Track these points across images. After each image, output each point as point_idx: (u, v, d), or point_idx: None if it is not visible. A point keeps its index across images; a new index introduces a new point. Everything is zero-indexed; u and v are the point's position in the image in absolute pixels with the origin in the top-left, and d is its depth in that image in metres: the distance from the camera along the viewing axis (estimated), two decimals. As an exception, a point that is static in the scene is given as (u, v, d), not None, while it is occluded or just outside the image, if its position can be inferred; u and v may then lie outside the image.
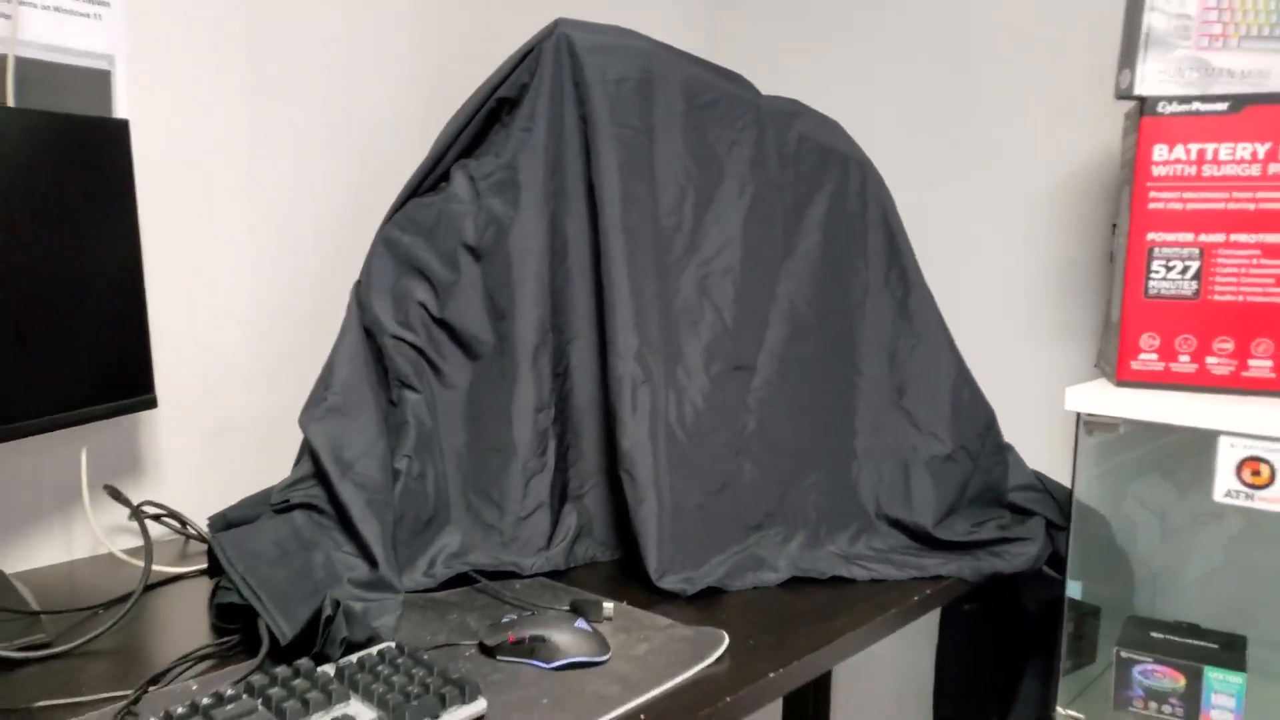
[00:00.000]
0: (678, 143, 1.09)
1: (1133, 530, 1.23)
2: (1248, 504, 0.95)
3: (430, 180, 1.10)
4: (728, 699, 0.77)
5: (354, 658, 0.76)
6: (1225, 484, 0.96)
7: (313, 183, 1.23)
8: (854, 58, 1.48)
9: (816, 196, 1.17)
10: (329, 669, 0.74)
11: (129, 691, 0.75)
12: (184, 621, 0.90)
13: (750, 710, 0.80)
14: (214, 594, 0.92)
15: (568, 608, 0.92)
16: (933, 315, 1.18)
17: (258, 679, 0.71)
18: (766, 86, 1.50)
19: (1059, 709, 1.13)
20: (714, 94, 1.12)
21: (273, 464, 1.22)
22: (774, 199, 1.15)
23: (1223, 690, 1.06)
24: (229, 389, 1.18)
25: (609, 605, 0.92)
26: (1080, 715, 1.13)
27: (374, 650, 0.77)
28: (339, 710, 0.69)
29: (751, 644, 0.87)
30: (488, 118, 1.09)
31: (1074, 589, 1.17)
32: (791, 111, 1.18)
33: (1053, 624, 1.17)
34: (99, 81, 1.06)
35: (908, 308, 1.18)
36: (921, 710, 1.52)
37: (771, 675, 0.82)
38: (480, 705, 0.72)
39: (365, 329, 1.06)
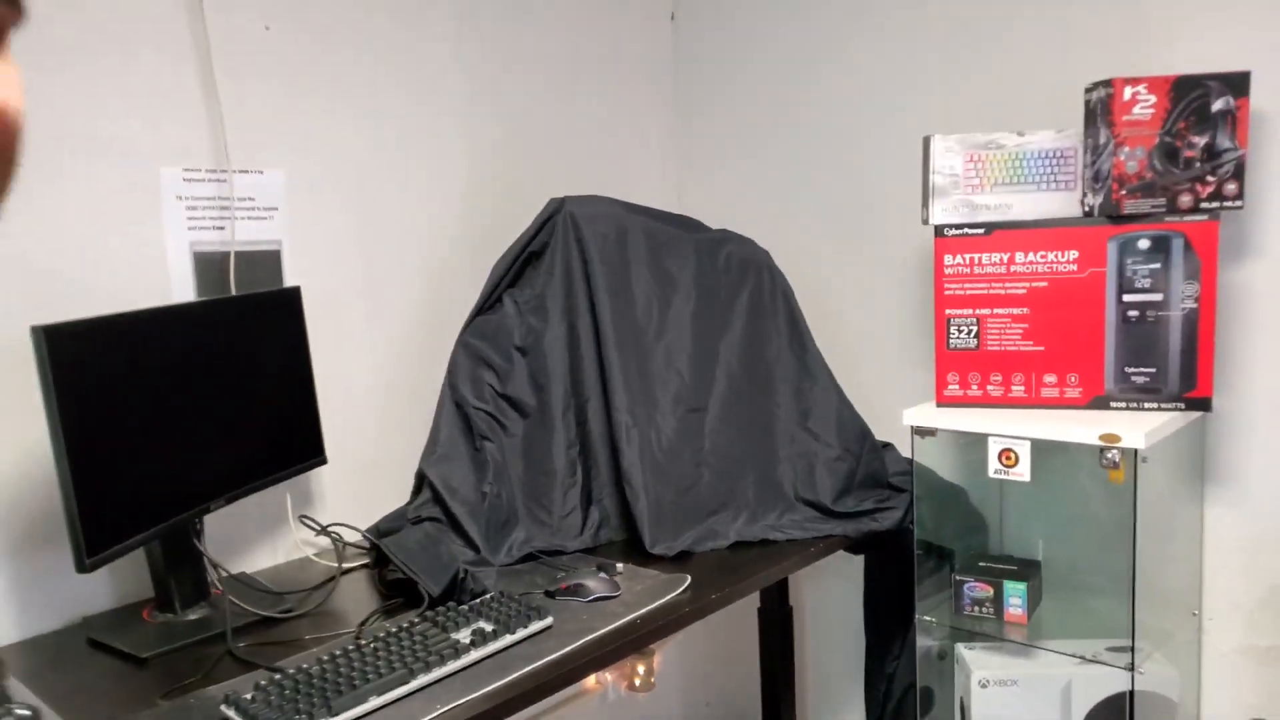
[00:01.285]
0: (645, 271, 1.70)
1: (970, 497, 1.82)
2: (1005, 478, 1.54)
3: (490, 303, 1.71)
4: (686, 610, 1.38)
5: (475, 600, 1.37)
6: (993, 465, 1.55)
7: (405, 304, 1.84)
8: (778, 178, 2.08)
9: (741, 293, 1.77)
10: (464, 608, 1.35)
11: (353, 629, 1.37)
12: (359, 595, 1.51)
13: (700, 616, 1.40)
14: (383, 575, 1.52)
15: (595, 568, 1.52)
16: (822, 365, 1.78)
17: (426, 616, 1.32)
18: (723, 208, 2.10)
19: (918, 615, 1.73)
20: (665, 236, 1.72)
21: (395, 492, 1.82)
22: (712, 298, 1.75)
23: (1014, 594, 1.66)
24: (364, 446, 1.78)
25: (620, 565, 1.53)
26: (932, 618, 1.73)
27: (486, 596, 1.38)
28: (473, 625, 1.30)
29: (702, 582, 1.47)
30: (524, 263, 1.69)
31: (929, 535, 1.76)
32: (722, 239, 1.79)
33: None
34: (274, 258, 1.67)
35: (805, 362, 1.78)
36: (856, 625, 2.09)
37: (714, 596, 1.42)
38: (549, 620, 1.33)
39: (456, 403, 1.67)
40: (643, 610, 1.38)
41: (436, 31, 1.85)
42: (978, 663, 1.69)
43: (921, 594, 1.74)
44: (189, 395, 1.39)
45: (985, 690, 1.67)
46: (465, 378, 1.68)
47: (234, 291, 1.59)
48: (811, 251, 2.00)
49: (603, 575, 1.46)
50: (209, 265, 1.58)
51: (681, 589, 1.45)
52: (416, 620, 1.31)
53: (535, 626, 1.30)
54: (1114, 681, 1.58)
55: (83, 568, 1.18)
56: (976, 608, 1.69)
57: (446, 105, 1.87)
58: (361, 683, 1.13)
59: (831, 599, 2.17)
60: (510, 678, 1.19)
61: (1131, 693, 1.55)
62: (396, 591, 1.48)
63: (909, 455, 1.76)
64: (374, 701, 1.11)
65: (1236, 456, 1.62)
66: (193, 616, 1.41)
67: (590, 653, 1.27)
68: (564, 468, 1.66)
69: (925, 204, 1.63)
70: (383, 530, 1.62)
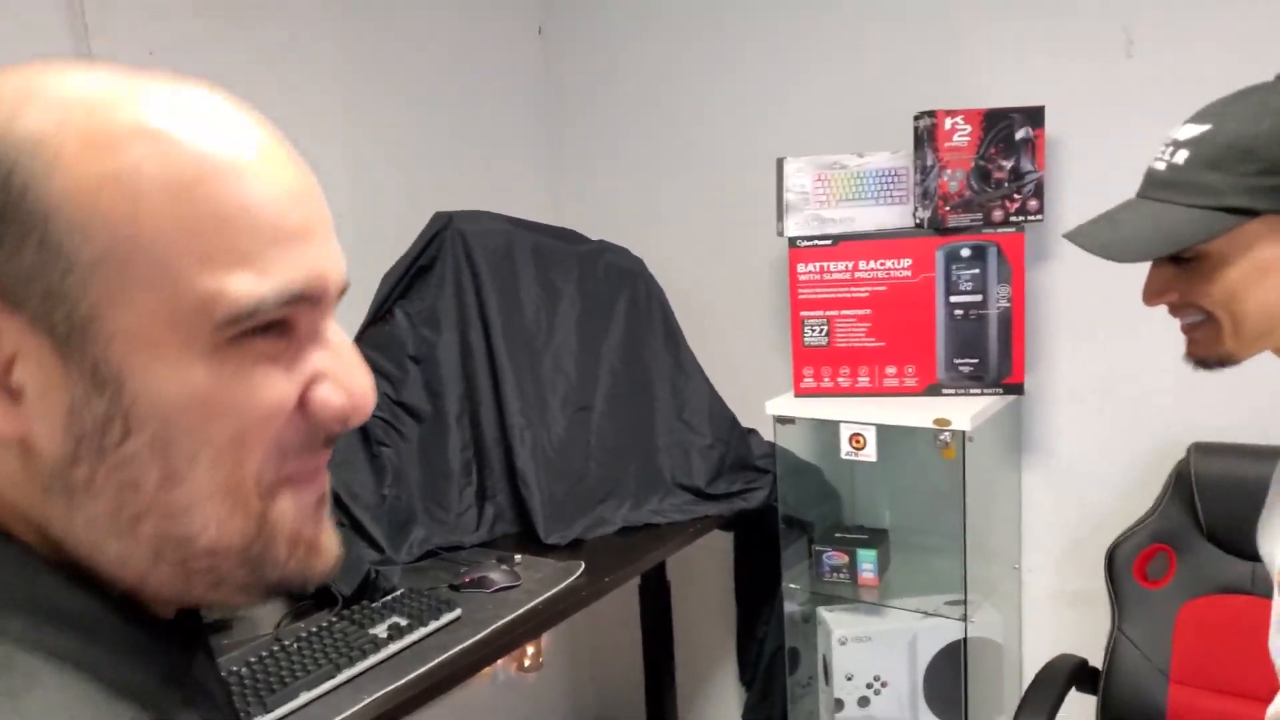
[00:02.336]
0: (532, 280, 1.83)
1: (825, 474, 2.04)
2: (855, 459, 1.76)
3: (381, 314, 1.80)
4: (583, 594, 1.53)
5: (387, 598, 1.48)
6: (844, 449, 1.77)
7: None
8: (648, 189, 2.24)
9: (620, 299, 1.93)
10: (376, 605, 1.46)
11: (269, 632, 1.45)
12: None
13: (597, 598, 1.56)
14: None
15: (495, 560, 1.65)
16: (694, 362, 1.96)
17: (343, 615, 1.42)
18: (597, 218, 2.25)
19: (784, 584, 1.94)
20: (549, 249, 1.86)
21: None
22: (594, 305, 1.90)
23: (866, 560, 1.88)
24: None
25: (518, 557, 1.66)
26: (796, 585, 1.94)
27: (396, 593, 1.49)
28: (388, 621, 1.40)
29: (594, 566, 1.63)
30: (414, 276, 1.79)
31: (792, 511, 1.97)
32: (600, 250, 1.94)
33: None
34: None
35: (679, 359, 1.95)
36: (728, 596, 2.29)
37: (607, 579, 1.58)
38: (458, 611, 1.45)
39: (352, 413, 1.75)
40: (543, 596, 1.52)
41: (314, 52, 1.90)
42: (837, 623, 1.91)
43: (786, 562, 1.95)
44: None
45: (844, 647, 1.89)
46: (361, 387, 1.76)
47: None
48: (681, 258, 2.17)
49: (503, 567, 1.59)
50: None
51: (577, 574, 1.59)
52: (335, 619, 1.40)
53: (446, 618, 1.42)
54: (951, 631, 1.83)
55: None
56: (834, 574, 1.91)
57: (325, 124, 1.93)
58: (291, 680, 1.23)
59: (704, 573, 2.37)
60: (429, 666, 1.31)
61: (965, 640, 1.80)
62: (307, 595, 1.56)
63: (771, 440, 1.96)
64: (305, 696, 1.21)
65: (1045, 430, 1.89)
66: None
67: (500, 638, 1.40)
68: (459, 469, 1.77)
69: (780, 218, 1.82)
70: (287, 537, 1.69)
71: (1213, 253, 0.89)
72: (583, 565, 1.62)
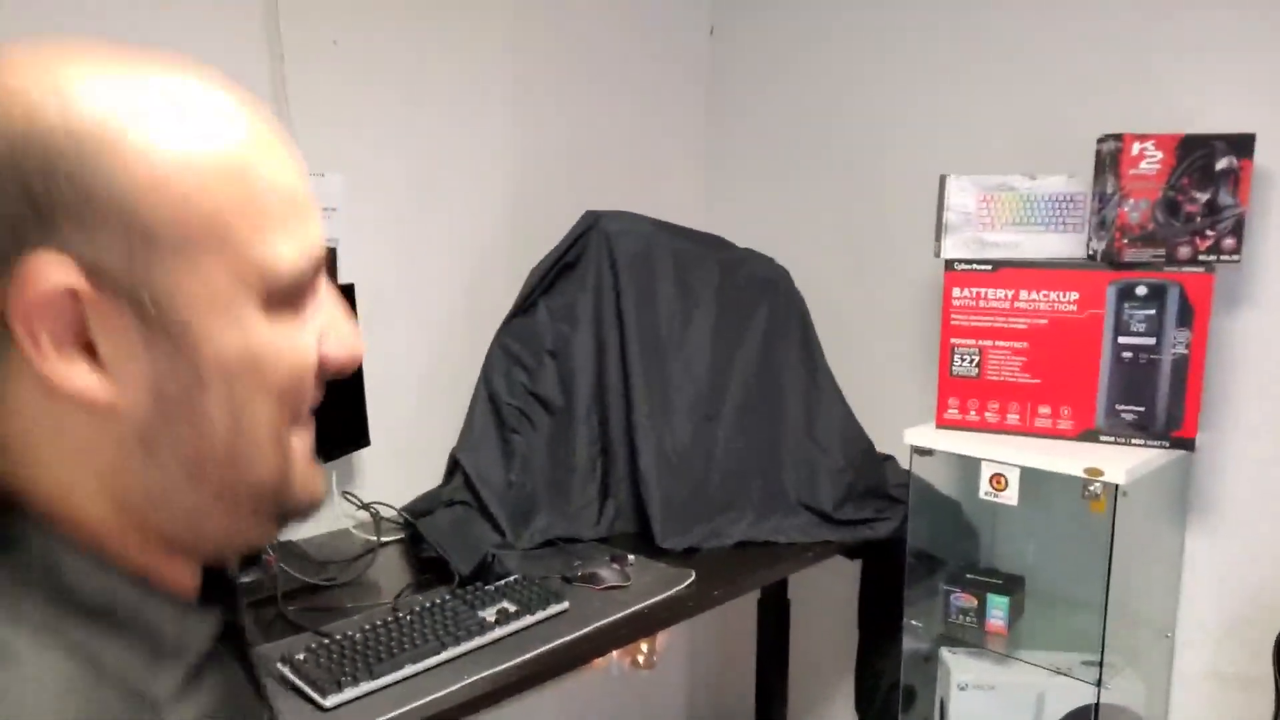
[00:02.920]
0: (670, 286, 1.82)
1: (963, 510, 1.94)
2: (995, 500, 1.66)
3: (525, 306, 1.84)
4: (690, 605, 1.51)
5: (500, 582, 1.51)
6: (984, 488, 1.67)
7: (446, 301, 1.97)
8: (803, 199, 2.19)
9: (759, 309, 1.89)
10: (489, 588, 1.49)
11: (389, 600, 1.51)
12: (394, 568, 1.65)
13: (703, 610, 1.54)
14: (418, 553, 1.67)
15: (609, 558, 1.66)
16: (830, 380, 1.90)
17: (456, 593, 1.46)
18: (748, 224, 2.22)
19: (906, 619, 1.85)
20: (691, 254, 1.85)
21: (429, 473, 1.96)
22: (731, 313, 1.87)
23: (997, 606, 1.77)
24: (403, 430, 1.92)
25: (631, 557, 1.66)
26: (920, 623, 1.85)
27: (510, 579, 1.52)
28: (497, 606, 1.44)
29: (706, 577, 1.61)
30: (558, 273, 1.82)
31: (924, 545, 1.88)
32: (743, 258, 1.90)
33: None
34: (331, 255, 1.80)
35: (815, 377, 1.90)
36: (851, 622, 2.22)
37: (715, 593, 1.56)
38: (565, 604, 1.46)
39: (489, 396, 1.80)
40: (650, 601, 1.51)
41: (486, 48, 1.96)
42: (959, 666, 1.81)
43: (911, 599, 1.86)
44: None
45: (964, 693, 1.79)
46: (500, 374, 1.81)
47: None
48: (828, 271, 2.11)
49: (615, 566, 1.59)
50: (271, 258, 1.72)
51: (687, 583, 1.58)
52: (448, 597, 1.45)
53: (553, 609, 1.44)
54: (1085, 694, 1.70)
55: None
56: (961, 616, 1.81)
57: (492, 118, 1.99)
58: (399, 651, 1.27)
59: (828, 595, 2.30)
60: (528, 655, 1.33)
61: (1097, 705, 1.67)
62: (429, 568, 1.62)
63: (907, 469, 1.87)
64: (409, 669, 1.26)
65: (1218, 491, 1.72)
66: (247, 579, 1.56)
67: (601, 637, 1.40)
68: (584, 463, 1.79)
69: (938, 238, 1.73)
70: (418, 510, 1.76)
71: None
72: (693, 575, 1.60)
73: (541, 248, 1.94)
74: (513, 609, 1.42)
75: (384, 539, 1.77)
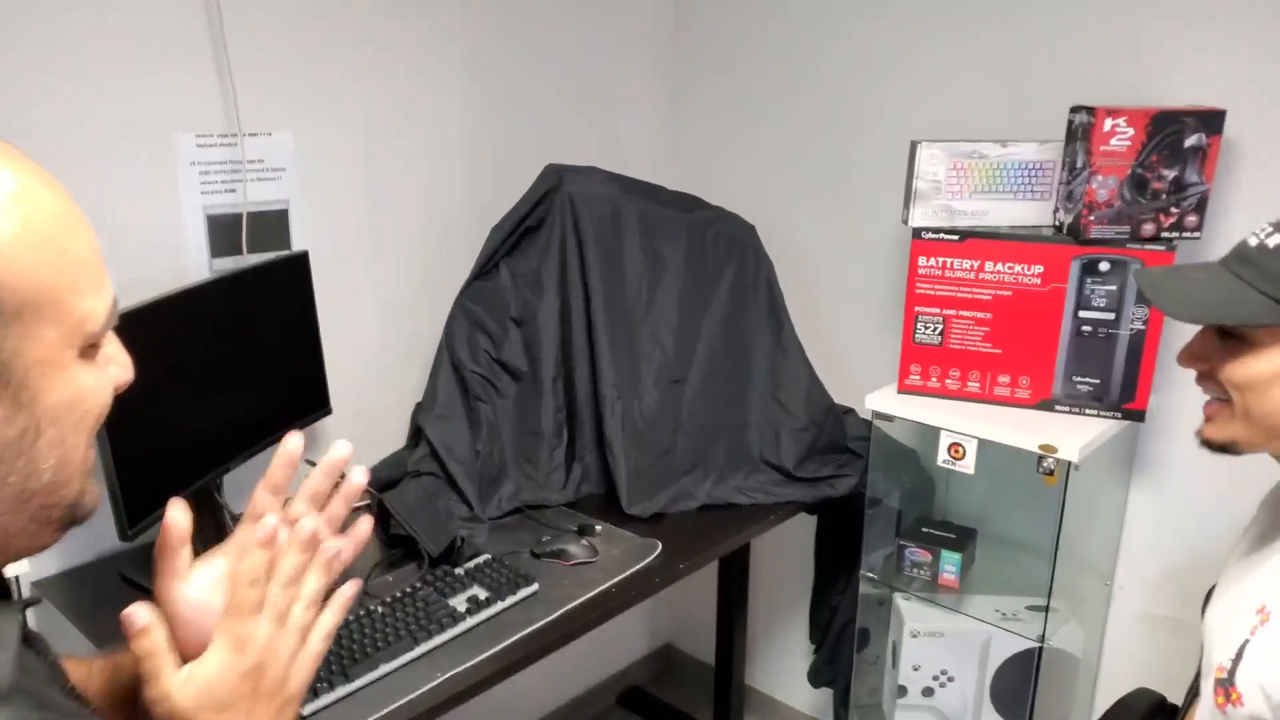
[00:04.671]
0: (636, 249, 1.79)
1: (920, 459, 1.99)
2: (952, 468, 1.70)
3: (487, 269, 1.80)
4: (656, 579, 1.56)
5: (471, 564, 1.54)
6: (942, 456, 1.71)
7: (405, 261, 1.91)
8: (772, 157, 2.13)
9: (726, 271, 1.87)
10: (459, 571, 1.52)
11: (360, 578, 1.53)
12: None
13: (670, 583, 1.58)
14: (388, 528, 1.68)
15: (576, 528, 1.69)
16: (795, 341, 1.91)
17: (427, 579, 1.48)
18: (717, 181, 2.17)
19: (863, 571, 1.93)
20: (658, 217, 1.81)
21: (392, 436, 1.95)
22: (698, 277, 1.85)
23: (949, 562, 1.85)
24: (365, 394, 1.90)
25: (599, 527, 1.69)
26: (874, 575, 1.93)
27: (480, 559, 1.55)
28: (469, 591, 1.46)
29: (672, 546, 1.65)
30: (521, 234, 1.77)
31: (880, 496, 1.94)
32: (712, 218, 1.87)
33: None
34: (282, 218, 1.74)
35: (780, 338, 1.90)
36: (807, 558, 2.31)
37: (681, 566, 1.60)
38: (535, 586, 1.50)
39: (453, 365, 1.79)
40: (619, 577, 1.55)
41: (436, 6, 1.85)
42: (911, 614, 1.90)
43: (866, 547, 1.93)
44: (210, 369, 1.50)
45: (916, 639, 1.89)
46: (463, 341, 1.78)
47: (246, 251, 1.67)
48: (797, 229, 2.08)
49: (583, 541, 1.62)
50: (222, 227, 1.65)
51: (654, 555, 1.62)
52: (419, 585, 1.47)
53: (523, 593, 1.48)
54: (1028, 639, 1.80)
55: (125, 537, 1.33)
56: (915, 570, 1.89)
57: (448, 71, 1.89)
58: (373, 650, 1.30)
59: (786, 532, 2.38)
60: (501, 645, 1.37)
61: (1041, 650, 1.76)
62: (397, 544, 1.64)
63: (867, 420, 1.91)
64: (384, 668, 1.29)
65: (1162, 454, 1.78)
66: (214, 559, 1.57)
67: (571, 621, 1.44)
68: (551, 429, 1.80)
69: (906, 205, 1.71)
70: (384, 481, 1.76)
71: (1256, 340, 0.95)
72: (660, 546, 1.64)
73: (503, 204, 1.88)
74: (483, 595, 1.45)
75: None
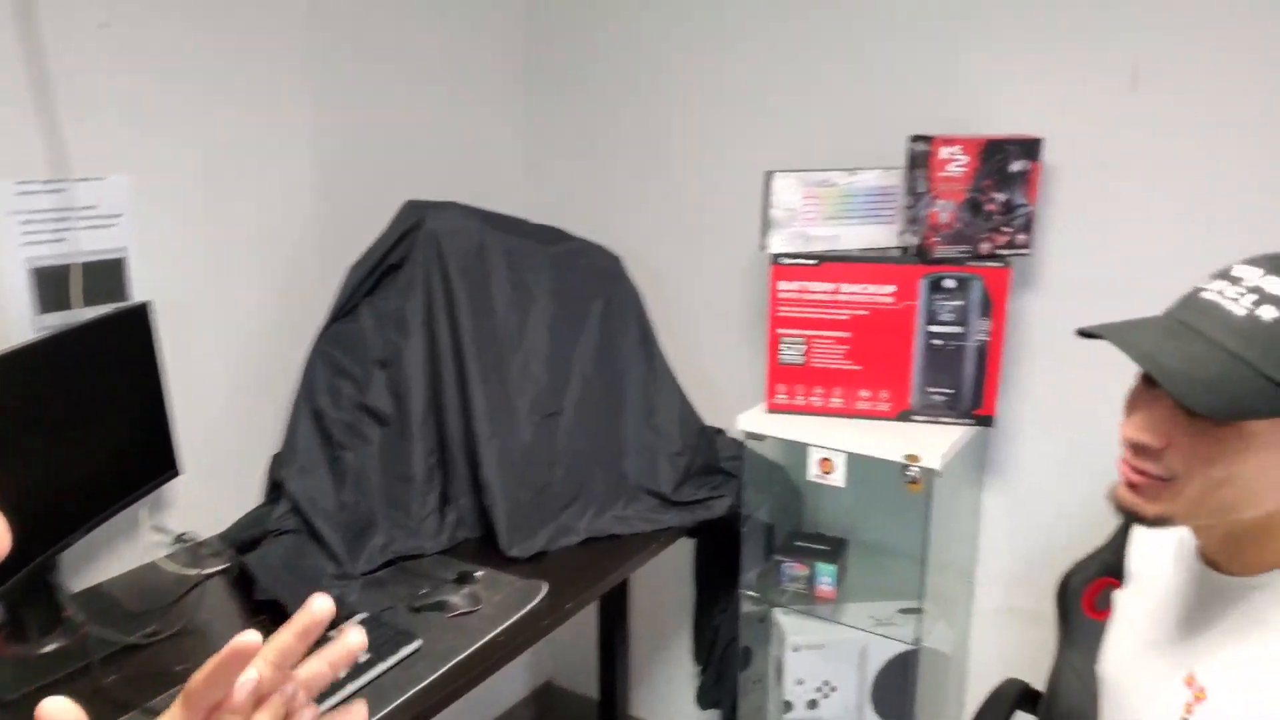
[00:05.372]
0: (504, 284, 1.76)
1: (788, 474, 2.04)
2: (823, 482, 1.76)
3: (346, 310, 1.73)
4: (545, 622, 1.53)
5: (345, 623, 1.46)
6: (812, 471, 1.76)
7: (256, 306, 1.82)
8: (632, 184, 2.15)
9: (594, 302, 1.87)
10: (334, 633, 1.44)
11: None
12: (221, 609, 1.56)
13: (558, 625, 1.56)
14: (253, 593, 1.57)
15: (455, 577, 1.64)
16: (666, 368, 1.93)
17: (303, 641, 1.40)
18: (577, 210, 2.17)
19: (742, 590, 1.96)
20: (523, 250, 1.79)
21: (247, 493, 1.84)
22: (568, 308, 1.84)
23: (825, 574, 1.91)
24: (217, 450, 1.79)
25: (479, 573, 1.65)
26: (755, 593, 1.97)
27: (357, 618, 1.47)
28: (349, 652, 1.39)
29: (556, 585, 1.62)
30: (382, 273, 1.72)
31: (753, 513, 1.98)
32: (577, 250, 1.87)
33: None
34: (119, 267, 1.61)
35: (652, 365, 1.91)
36: (687, 579, 2.33)
37: (568, 606, 1.58)
38: (417, 643, 1.44)
39: (313, 413, 1.70)
40: (504, 624, 1.51)
41: (283, 27, 1.77)
42: (792, 628, 1.95)
43: (745, 565, 1.97)
44: (40, 436, 1.37)
45: (798, 653, 1.93)
46: (323, 387, 1.71)
47: (76, 305, 1.54)
48: (661, 257, 2.11)
49: (464, 590, 1.58)
50: (49, 281, 1.52)
51: (539, 597, 1.59)
52: (292, 651, 1.38)
53: (405, 651, 1.41)
54: (902, 644, 1.87)
55: (-52, 634, 1.19)
56: (793, 583, 1.93)
57: (293, 103, 1.82)
58: (247, 729, 1.21)
59: (663, 555, 2.39)
60: (386, 710, 1.30)
61: (919, 651, 1.84)
62: (263, 609, 1.54)
63: (735, 439, 1.95)
64: (261, 747, 1.20)
65: (1011, 456, 1.90)
66: (49, 648, 1.42)
67: (459, 677, 1.39)
68: (422, 474, 1.74)
69: (764, 233, 1.76)
70: (243, 541, 1.66)
71: (1253, 433, 0.81)
72: (546, 587, 1.61)
73: (357, 242, 1.82)
74: (363, 657, 1.38)
75: (206, 570, 1.67)
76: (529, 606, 1.56)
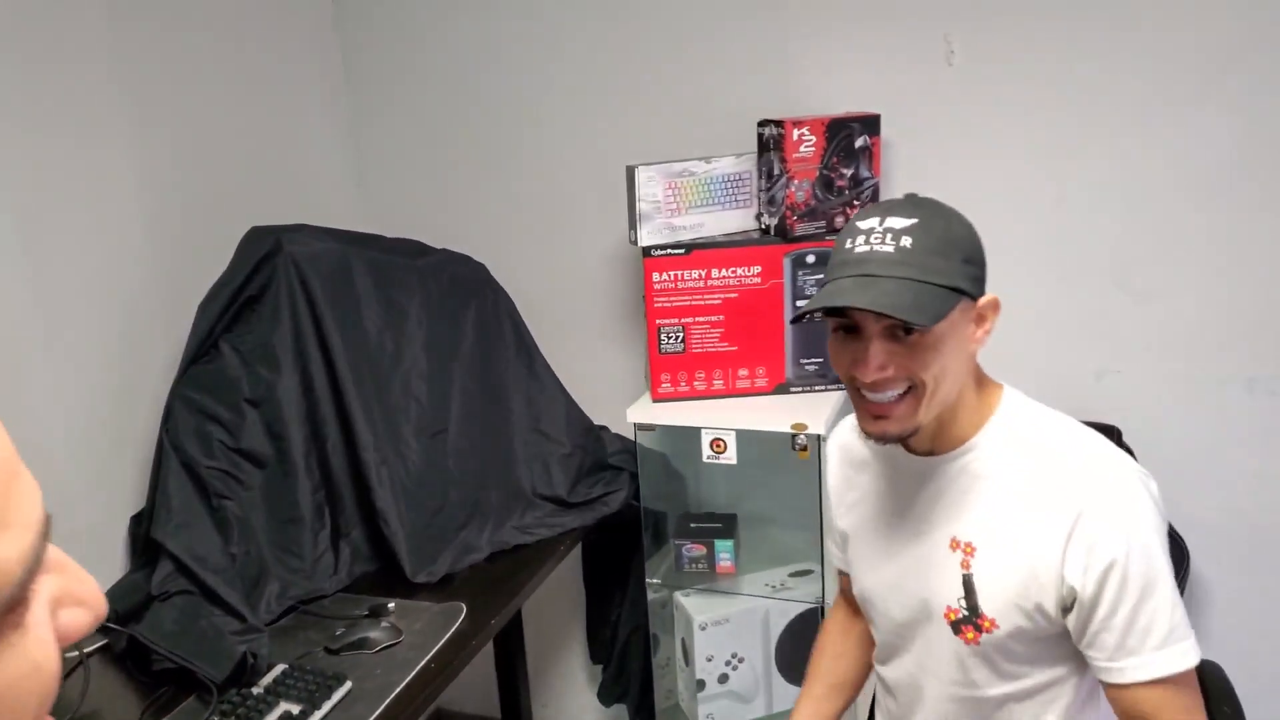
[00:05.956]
0: (373, 303, 1.70)
1: (683, 470, 2.09)
2: (716, 461, 1.82)
3: (204, 350, 1.61)
4: (473, 643, 1.49)
5: (269, 679, 1.37)
6: (706, 453, 1.82)
7: (97, 357, 1.65)
8: (481, 198, 2.12)
9: (467, 313, 1.83)
10: (257, 690, 1.35)
11: (131, 735, 1.30)
12: (113, 690, 1.42)
13: (486, 643, 1.52)
14: (152, 664, 1.43)
15: (367, 612, 1.57)
16: (548, 371, 1.92)
17: (222, 712, 1.30)
18: (423, 221, 2.12)
19: (648, 578, 1.99)
20: (389, 266, 1.73)
21: (110, 556, 1.67)
22: (440, 322, 1.79)
23: (724, 550, 1.97)
24: (69, 512, 1.61)
25: (391, 604, 1.58)
26: (658, 580, 2.00)
27: (276, 671, 1.38)
28: (278, 710, 1.30)
29: (477, 605, 1.59)
30: (242, 307, 1.61)
31: (646, 502, 2.01)
32: (443, 261, 1.82)
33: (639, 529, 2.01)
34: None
35: (533, 369, 1.90)
36: (574, 581, 2.32)
37: (493, 622, 1.55)
38: (348, 684, 1.37)
39: (184, 464, 1.57)
40: (432, 651, 1.46)
41: (86, 55, 1.61)
42: (696, 608, 2.00)
43: (647, 555, 1.99)
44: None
45: (705, 631, 1.98)
46: (190, 435, 1.58)
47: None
48: (525, 262, 2.09)
49: (381, 623, 1.51)
50: None
51: (461, 619, 1.55)
52: (216, 718, 1.28)
53: (338, 695, 1.34)
54: (799, 605, 1.97)
55: None
56: (694, 564, 1.98)
57: (112, 129, 1.66)
58: (189, 810, 1.12)
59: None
60: (335, 759, 1.24)
61: (822, 608, 1.93)
62: (165, 680, 1.41)
63: (623, 436, 1.98)
64: (208, 826, 1.11)
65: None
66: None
67: (403, 707, 1.34)
68: (311, 512, 1.65)
69: (632, 227, 1.79)
70: (124, 613, 1.51)
71: (938, 331, 1.01)
72: (464, 608, 1.57)
73: (199, 275, 1.70)
74: (296, 710, 1.30)
75: (85, 649, 1.51)
76: (453, 630, 1.52)
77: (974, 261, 1.04)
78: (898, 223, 1.02)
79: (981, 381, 1.12)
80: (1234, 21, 1.64)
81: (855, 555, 1.27)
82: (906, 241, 1.01)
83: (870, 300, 0.99)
